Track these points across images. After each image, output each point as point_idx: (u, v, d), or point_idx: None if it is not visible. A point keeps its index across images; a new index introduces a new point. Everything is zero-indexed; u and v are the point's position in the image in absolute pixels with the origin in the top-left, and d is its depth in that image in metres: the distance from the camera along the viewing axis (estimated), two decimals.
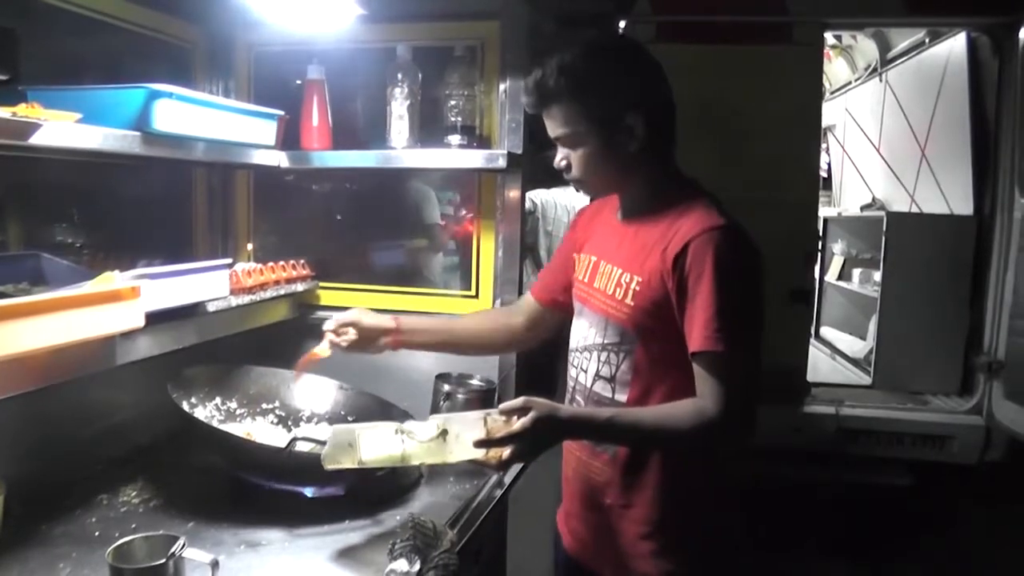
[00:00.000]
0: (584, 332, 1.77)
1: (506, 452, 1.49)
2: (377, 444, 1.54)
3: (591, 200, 1.95)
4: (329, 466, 1.54)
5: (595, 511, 1.75)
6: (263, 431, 2.05)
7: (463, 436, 1.51)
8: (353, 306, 2.47)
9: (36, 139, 1.40)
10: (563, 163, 1.69)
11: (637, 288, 1.60)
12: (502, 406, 1.52)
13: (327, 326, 1.96)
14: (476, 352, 2.21)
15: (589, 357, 1.74)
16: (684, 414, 1.52)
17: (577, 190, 1.86)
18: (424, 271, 2.59)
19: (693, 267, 1.51)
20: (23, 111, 1.38)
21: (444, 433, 1.53)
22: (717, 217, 1.55)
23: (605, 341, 1.69)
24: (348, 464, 1.54)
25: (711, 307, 1.48)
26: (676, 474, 1.65)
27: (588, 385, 1.74)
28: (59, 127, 1.45)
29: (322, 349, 1.96)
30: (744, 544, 1.78)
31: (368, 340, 1.97)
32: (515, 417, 1.49)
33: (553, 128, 1.66)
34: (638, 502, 1.67)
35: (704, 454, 1.66)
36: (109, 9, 2.10)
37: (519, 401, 1.50)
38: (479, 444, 1.49)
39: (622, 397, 1.66)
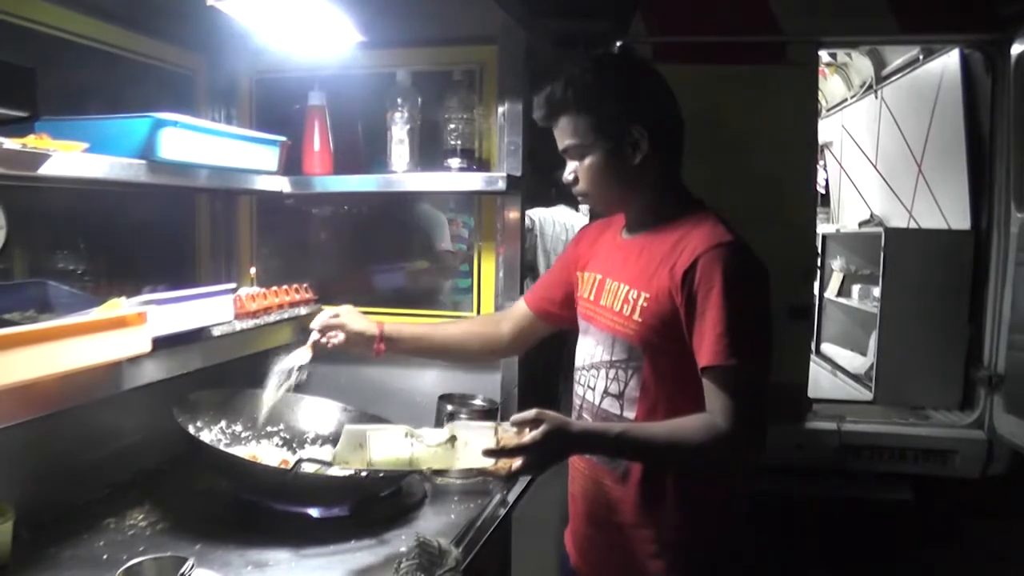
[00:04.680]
0: (591, 350, 1.78)
1: (516, 463, 1.50)
2: (386, 446, 1.54)
3: (591, 218, 1.97)
4: (339, 465, 1.56)
5: (605, 529, 1.75)
6: (268, 453, 2.07)
7: (472, 444, 1.52)
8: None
9: (45, 169, 1.42)
10: (571, 176, 1.72)
11: (645, 304, 1.61)
12: (514, 417, 1.52)
13: (314, 324, 1.99)
14: (458, 360, 2.27)
15: (596, 375, 1.74)
16: (695, 428, 1.53)
17: (580, 204, 1.88)
18: (425, 293, 2.61)
19: (702, 283, 1.52)
20: (32, 142, 1.40)
21: (453, 439, 1.53)
22: (725, 233, 1.57)
23: (613, 358, 1.70)
24: (357, 465, 1.55)
25: (721, 322, 1.49)
26: (689, 493, 1.65)
27: (596, 403, 1.74)
28: (67, 157, 1.47)
29: (301, 354, 1.97)
30: (752, 562, 1.79)
31: (353, 344, 2.00)
32: (526, 429, 1.50)
33: (561, 140, 1.70)
34: (650, 521, 1.67)
35: (715, 470, 1.66)
36: (113, 40, 2.13)
37: (531, 413, 1.50)
38: (488, 453, 1.49)
39: (630, 414, 1.66)
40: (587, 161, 1.67)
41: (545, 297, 2.00)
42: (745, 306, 1.51)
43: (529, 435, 1.48)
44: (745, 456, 1.58)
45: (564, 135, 1.69)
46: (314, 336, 1.98)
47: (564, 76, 1.65)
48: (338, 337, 1.98)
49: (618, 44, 3.87)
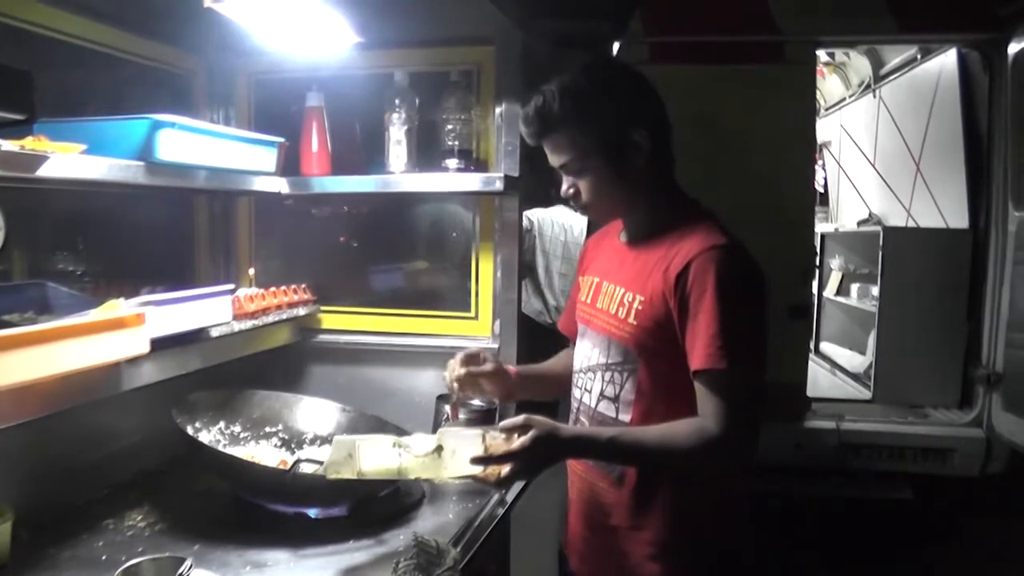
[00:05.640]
0: (587, 353, 1.78)
1: (505, 470, 1.49)
2: (375, 456, 1.55)
3: (591, 224, 1.95)
4: (331, 476, 1.55)
5: (602, 532, 1.74)
6: (267, 454, 2.07)
7: (460, 452, 1.52)
8: (355, 328, 2.52)
9: (43, 171, 1.42)
10: (571, 191, 1.68)
11: (639, 307, 1.61)
12: (502, 424, 1.52)
13: (450, 378, 1.87)
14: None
15: (593, 377, 1.74)
16: (686, 433, 1.52)
17: (583, 214, 1.84)
18: (423, 294, 2.61)
19: (695, 286, 1.51)
20: (30, 144, 1.40)
21: (440, 449, 1.53)
22: (719, 236, 1.56)
23: (608, 361, 1.70)
24: (348, 475, 1.55)
25: (713, 325, 1.48)
26: (685, 495, 1.65)
27: (592, 405, 1.74)
28: (65, 159, 1.48)
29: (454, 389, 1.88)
30: (750, 562, 1.78)
31: (485, 390, 1.91)
32: (515, 435, 1.49)
33: (557, 156, 1.65)
34: (646, 523, 1.66)
35: (706, 473, 1.65)
36: (111, 41, 2.14)
37: (519, 419, 1.50)
38: (476, 461, 1.49)
39: (626, 417, 1.66)
40: (589, 172, 1.63)
41: (572, 320, 1.95)
42: (738, 309, 1.51)
43: (517, 441, 1.48)
44: (735, 460, 1.58)
45: (560, 150, 1.64)
46: (459, 372, 1.85)
47: (556, 87, 1.59)
48: (486, 366, 1.87)
49: (616, 44, 3.87)
